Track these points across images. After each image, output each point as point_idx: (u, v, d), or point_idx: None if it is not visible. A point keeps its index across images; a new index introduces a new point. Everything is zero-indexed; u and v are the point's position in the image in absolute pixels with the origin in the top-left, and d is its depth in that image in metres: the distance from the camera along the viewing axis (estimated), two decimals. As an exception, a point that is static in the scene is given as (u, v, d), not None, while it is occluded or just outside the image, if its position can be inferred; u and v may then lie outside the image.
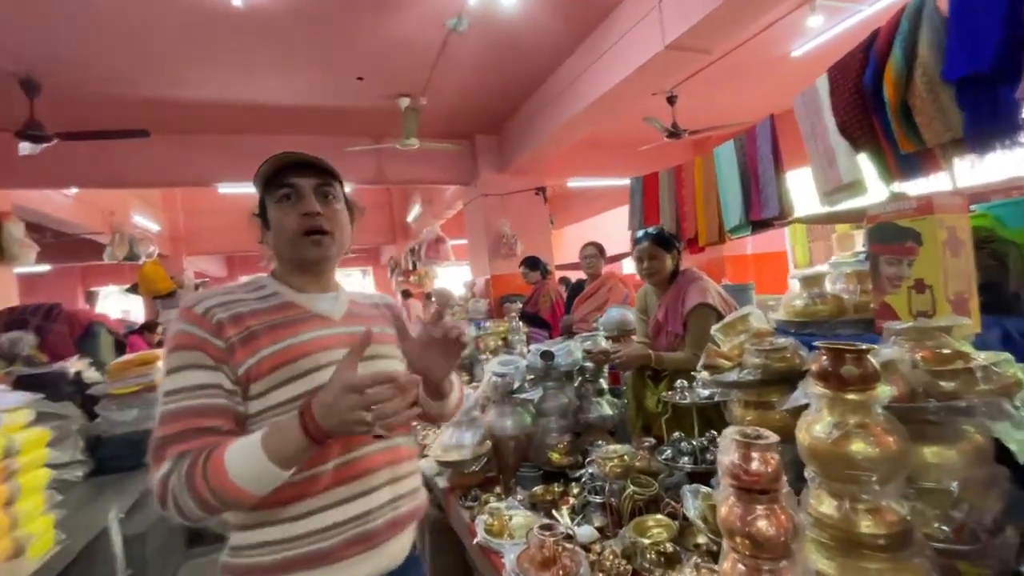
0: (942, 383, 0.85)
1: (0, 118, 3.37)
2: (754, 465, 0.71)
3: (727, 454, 0.73)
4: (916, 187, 1.97)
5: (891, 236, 1.17)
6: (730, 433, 0.74)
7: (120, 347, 4.24)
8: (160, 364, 3.01)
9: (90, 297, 11.35)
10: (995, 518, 0.86)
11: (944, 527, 0.86)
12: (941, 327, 0.95)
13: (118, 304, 11.02)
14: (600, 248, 3.60)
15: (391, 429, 0.82)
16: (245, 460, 0.78)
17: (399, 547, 0.97)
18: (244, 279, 1.04)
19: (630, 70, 3.06)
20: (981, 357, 0.86)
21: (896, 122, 1.88)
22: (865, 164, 2.14)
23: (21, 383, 2.50)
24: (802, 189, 2.56)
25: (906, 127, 1.86)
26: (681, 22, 2.61)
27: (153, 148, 4.31)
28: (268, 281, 1.01)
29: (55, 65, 3.29)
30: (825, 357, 0.80)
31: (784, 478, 0.73)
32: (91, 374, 3.12)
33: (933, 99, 1.75)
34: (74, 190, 5.53)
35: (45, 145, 3.44)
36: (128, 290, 8.18)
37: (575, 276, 5.49)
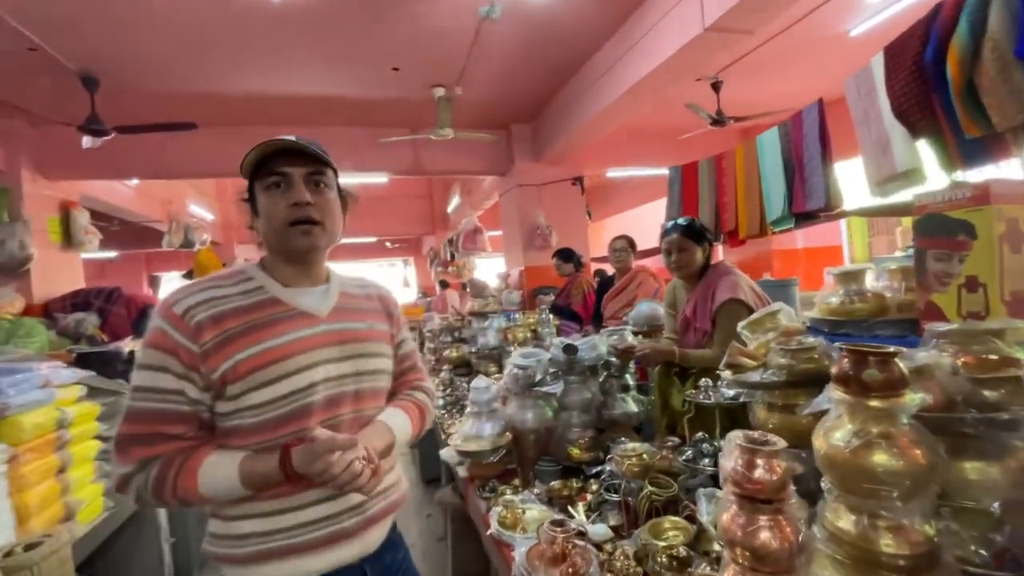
0: (985, 392, 0.76)
1: (66, 113, 3.61)
2: (758, 472, 0.66)
3: (730, 459, 0.68)
4: (982, 176, 1.79)
5: (940, 228, 1.07)
6: (734, 436, 0.69)
7: (174, 329, 4.51)
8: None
9: (153, 282, 12.12)
10: (1043, 544, 0.77)
11: (983, 551, 0.77)
12: (991, 330, 0.86)
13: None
14: (631, 241, 3.49)
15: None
16: (219, 482, 0.84)
17: (375, 536, 0.99)
18: (232, 267, 1.02)
19: (668, 54, 2.94)
20: (1034, 365, 0.77)
21: (960, 104, 1.70)
22: (924, 151, 1.96)
23: (80, 360, 2.69)
24: (853, 180, 2.38)
25: (972, 109, 1.69)
26: (721, 2, 2.47)
27: (202, 140, 4.52)
28: (255, 272, 0.98)
29: (112, 63, 3.49)
30: (846, 359, 0.73)
31: (791, 488, 0.68)
32: (145, 354, 3.33)
33: (1004, 79, 1.58)
34: (135, 181, 5.89)
35: (105, 138, 3.67)
36: (184, 276, 8.68)
37: (612, 269, 5.38)
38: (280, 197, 0.93)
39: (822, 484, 0.78)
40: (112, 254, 9.32)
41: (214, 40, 3.36)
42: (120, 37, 3.22)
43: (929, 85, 1.79)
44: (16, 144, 4.27)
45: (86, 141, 3.65)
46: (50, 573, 1.35)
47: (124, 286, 4.59)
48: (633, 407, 1.98)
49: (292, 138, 0.93)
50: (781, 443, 0.68)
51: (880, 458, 0.69)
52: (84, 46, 3.27)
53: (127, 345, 3.22)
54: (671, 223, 2.00)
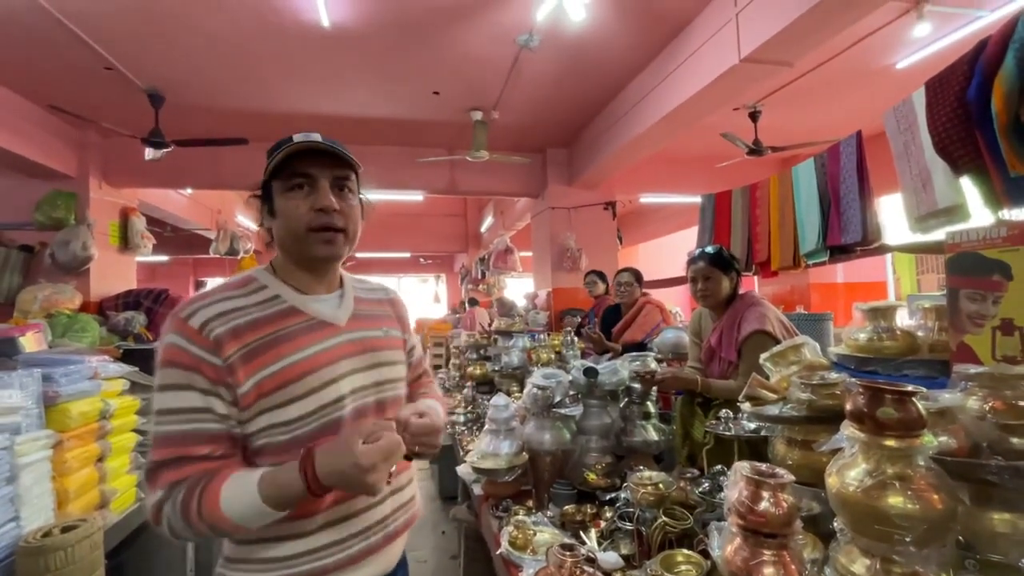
0: (1013, 440, 0.73)
1: (132, 126, 3.90)
2: (763, 505, 0.65)
3: (735, 490, 0.67)
4: (1031, 215, 1.71)
5: (974, 268, 1.03)
6: (740, 467, 0.68)
7: (213, 332, 4.71)
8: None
9: (199, 287, 12.71)
10: (1079, 607, 0.72)
11: (1010, 609, 0.73)
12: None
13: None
14: (637, 275, 3.54)
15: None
16: (240, 500, 0.76)
17: (395, 552, 0.97)
18: (239, 275, 0.93)
19: (703, 84, 2.95)
20: (1067, 414, 0.73)
21: (1005, 140, 1.64)
22: (967, 187, 1.89)
23: (126, 356, 2.85)
24: (894, 215, 2.30)
25: (1018, 146, 1.63)
26: (758, 35, 2.47)
27: (252, 154, 4.74)
28: (268, 279, 0.91)
29: (176, 82, 3.77)
30: (861, 395, 0.71)
31: (798, 524, 0.66)
32: (185, 354, 3.49)
33: (1053, 115, 1.53)
34: (188, 190, 6.25)
35: (166, 151, 3.94)
36: (228, 282, 9.08)
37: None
38: (303, 200, 0.87)
39: (835, 524, 0.76)
40: (163, 258, 9.85)
41: (267, 62, 3.59)
42: (185, 59, 3.48)
43: (972, 121, 1.74)
44: (87, 153, 4.63)
45: (148, 153, 3.92)
46: (82, 556, 1.42)
47: (173, 289, 4.85)
48: (653, 435, 1.95)
49: (318, 137, 0.88)
50: (788, 476, 0.67)
51: (894, 500, 0.67)
52: (153, 67, 3.55)
53: (169, 345, 3.39)
54: (698, 251, 1.99)
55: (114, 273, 4.86)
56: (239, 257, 7.18)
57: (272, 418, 0.82)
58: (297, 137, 0.89)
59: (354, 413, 0.88)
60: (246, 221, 8.20)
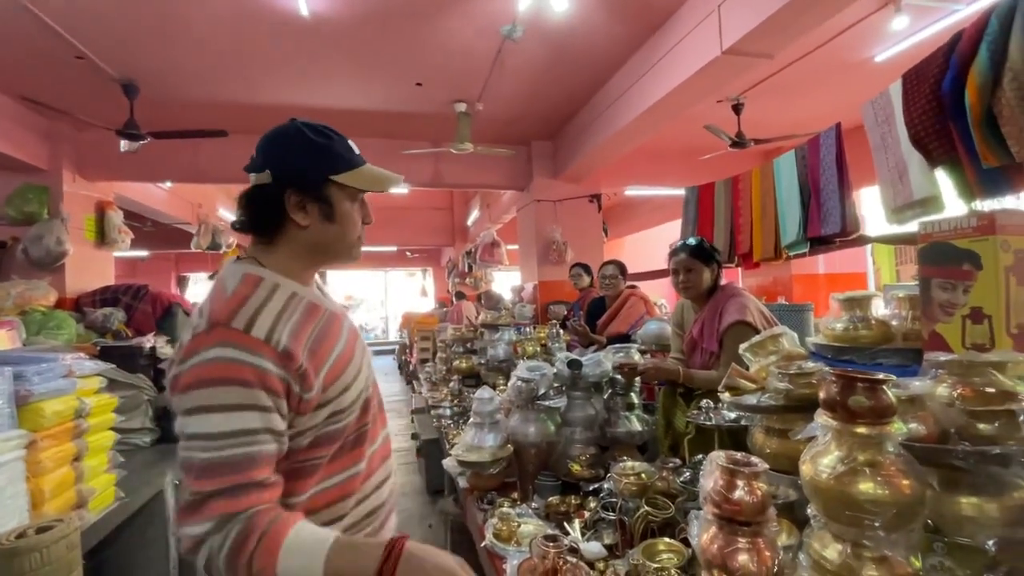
0: (980, 425, 0.75)
1: (106, 118, 3.79)
2: (737, 493, 0.66)
3: (710, 479, 0.68)
4: (1004, 206, 1.75)
5: (946, 258, 1.05)
6: (715, 456, 0.69)
7: (195, 328, 4.64)
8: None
9: (181, 282, 12.49)
10: (1041, 586, 0.75)
11: (976, 590, 0.75)
12: (992, 362, 0.84)
13: (206, 290, 12.03)
14: (621, 267, 3.57)
15: None
16: (299, 560, 0.69)
17: (390, 528, 1.01)
18: (241, 277, 0.86)
19: (686, 76, 2.95)
20: (1031, 399, 0.75)
21: (979, 133, 1.68)
22: (942, 179, 1.93)
23: (104, 353, 2.79)
24: (873, 207, 2.35)
25: (990, 138, 1.66)
26: (739, 27, 2.48)
27: (232, 147, 4.67)
28: (273, 277, 0.87)
29: (152, 72, 3.67)
30: (834, 384, 0.72)
31: (772, 511, 0.67)
32: (166, 350, 3.42)
33: (1024, 108, 1.56)
34: (168, 184, 6.11)
35: (141, 143, 3.84)
36: (210, 277, 8.94)
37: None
38: (357, 212, 0.95)
39: (808, 511, 0.78)
40: (143, 253, 9.66)
41: (247, 53, 3.51)
42: (160, 49, 3.38)
43: (947, 113, 1.77)
44: (59, 145, 4.49)
45: (123, 145, 3.82)
46: (59, 557, 1.39)
47: (153, 285, 4.75)
48: (637, 426, 1.97)
49: (401, 178, 1.00)
50: (762, 465, 0.68)
51: (865, 486, 0.69)
52: (127, 56, 3.45)
53: (149, 341, 3.32)
54: (680, 243, 2.00)
55: (91, 269, 4.74)
56: (221, 252, 7.07)
57: (333, 407, 0.85)
58: (376, 170, 0.97)
59: (373, 391, 0.97)
60: (228, 215, 8.06)
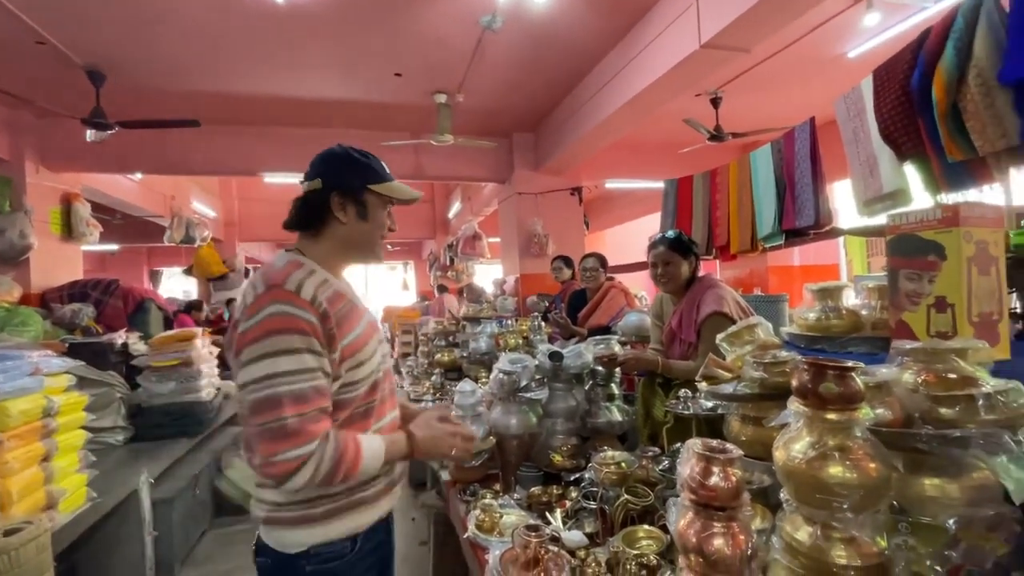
0: (941, 410, 0.78)
1: (71, 107, 3.65)
2: (713, 479, 0.68)
3: (686, 466, 0.70)
4: (967, 199, 1.82)
5: (912, 249, 1.09)
6: (692, 444, 0.71)
7: (169, 323, 4.53)
8: (199, 343, 3.18)
9: (154, 277, 12.16)
10: (998, 562, 0.79)
11: (938, 567, 0.79)
12: (954, 349, 0.88)
13: (180, 284, 11.75)
14: (601, 260, 3.59)
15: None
16: (373, 463, 1.00)
17: (396, 495, 1.18)
18: (287, 259, 1.08)
19: (664, 70, 2.98)
20: (989, 385, 0.79)
21: (944, 128, 1.73)
22: (910, 173, 1.99)
23: (73, 351, 2.71)
24: (846, 199, 2.40)
25: (955, 133, 1.72)
26: (716, 21, 2.51)
27: (205, 138, 4.57)
28: (312, 264, 1.07)
29: (119, 59, 3.54)
30: (805, 372, 0.75)
31: (746, 496, 0.69)
32: (138, 346, 3.34)
33: (988, 103, 1.61)
34: (138, 175, 5.92)
35: (109, 132, 3.71)
36: (184, 272, 8.72)
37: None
38: (386, 218, 1.16)
39: (781, 495, 0.80)
40: (113, 247, 9.35)
41: (219, 40, 3.41)
42: (127, 35, 3.27)
43: (915, 108, 1.82)
44: (21, 135, 4.31)
45: (90, 134, 3.69)
46: (28, 560, 1.36)
47: (124, 280, 4.61)
48: (618, 416, 1.99)
49: (420, 195, 1.21)
50: (737, 451, 0.70)
51: (834, 470, 0.71)
52: (91, 42, 3.32)
53: (120, 337, 3.24)
54: (658, 236, 2.03)
55: (57, 263, 4.58)
56: (196, 245, 6.89)
57: (349, 377, 1.02)
58: (403, 185, 1.17)
59: (384, 374, 1.14)
60: (202, 207, 7.85)
